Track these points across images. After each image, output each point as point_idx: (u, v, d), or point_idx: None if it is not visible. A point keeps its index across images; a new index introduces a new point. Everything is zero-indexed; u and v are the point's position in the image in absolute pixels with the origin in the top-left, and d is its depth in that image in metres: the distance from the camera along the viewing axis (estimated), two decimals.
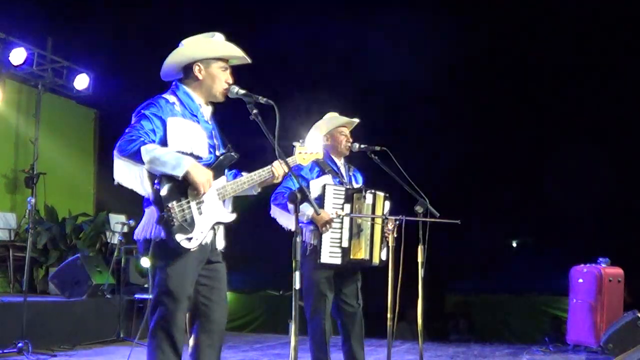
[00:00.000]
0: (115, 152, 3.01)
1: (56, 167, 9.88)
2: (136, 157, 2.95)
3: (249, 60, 3.37)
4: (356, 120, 4.61)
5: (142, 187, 3.02)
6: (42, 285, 8.60)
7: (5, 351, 5.66)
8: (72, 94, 10.38)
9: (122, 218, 8.66)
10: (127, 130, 3.04)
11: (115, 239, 8.38)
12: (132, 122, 3.11)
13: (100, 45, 10.03)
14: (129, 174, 3.00)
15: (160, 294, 3.09)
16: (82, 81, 10.07)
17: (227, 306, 3.32)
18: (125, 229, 8.01)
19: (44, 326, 6.40)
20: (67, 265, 7.52)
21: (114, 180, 3.06)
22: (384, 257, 4.44)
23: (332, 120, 4.55)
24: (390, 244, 4.26)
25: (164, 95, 3.22)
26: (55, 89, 10.10)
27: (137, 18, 9.91)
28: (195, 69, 3.25)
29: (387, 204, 4.47)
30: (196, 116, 3.25)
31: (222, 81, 3.28)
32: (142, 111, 3.11)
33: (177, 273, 3.07)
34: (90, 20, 9.95)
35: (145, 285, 7.92)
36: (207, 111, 3.33)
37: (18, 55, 8.91)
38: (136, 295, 7.71)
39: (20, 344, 5.65)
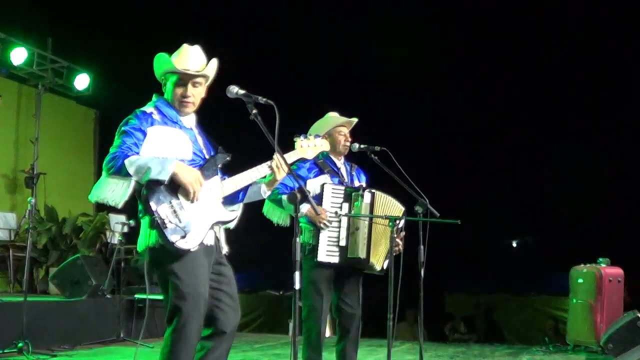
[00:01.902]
0: (103, 174, 3.05)
1: (56, 167, 9.88)
2: (122, 171, 2.99)
3: (205, 74, 3.32)
4: (355, 120, 4.60)
5: (123, 199, 3.03)
6: (42, 285, 8.59)
7: (5, 351, 5.65)
8: (72, 94, 10.38)
9: (122, 218, 8.64)
10: (110, 150, 3.08)
11: (115, 239, 8.37)
12: (115, 140, 3.14)
13: (100, 45, 10.03)
14: (116, 190, 3.01)
15: (175, 298, 3.05)
16: (82, 81, 10.07)
17: (239, 309, 3.29)
18: (126, 229, 8.00)
19: (44, 326, 6.40)
20: (67, 265, 7.50)
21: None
22: (385, 266, 4.39)
23: (331, 120, 4.54)
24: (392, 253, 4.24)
25: (141, 109, 3.26)
26: (55, 89, 10.10)
27: (137, 18, 9.92)
28: (162, 83, 3.33)
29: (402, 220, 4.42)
30: (177, 122, 3.27)
31: (177, 95, 3.28)
32: (122, 128, 3.15)
33: (188, 275, 3.06)
34: (90, 20, 9.96)
35: (142, 286, 7.91)
36: (187, 120, 3.33)
37: (18, 55, 8.91)
38: (136, 295, 7.70)
39: (20, 344, 5.65)
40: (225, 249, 3.32)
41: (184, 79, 3.27)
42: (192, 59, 3.28)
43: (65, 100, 10.57)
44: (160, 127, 3.18)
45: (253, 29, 10.23)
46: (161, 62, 3.30)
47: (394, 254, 4.25)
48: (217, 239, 3.25)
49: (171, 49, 3.34)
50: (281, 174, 3.35)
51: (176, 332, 3.04)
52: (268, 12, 10.56)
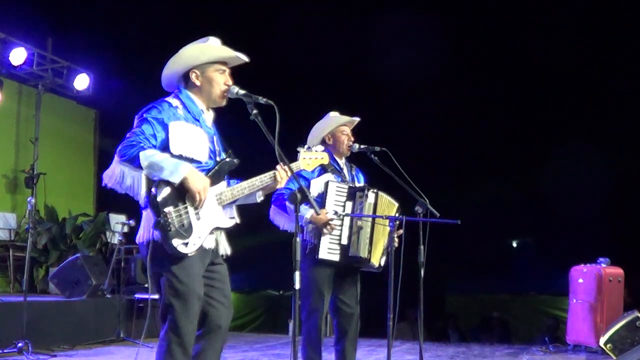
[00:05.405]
0: (116, 157, 3.03)
1: (56, 167, 9.89)
2: (135, 162, 2.98)
3: (246, 59, 3.35)
4: (357, 119, 4.61)
5: (138, 192, 3.03)
6: (42, 285, 8.60)
7: (5, 351, 5.65)
8: (72, 94, 10.38)
9: (122, 218, 8.65)
10: (127, 135, 3.06)
11: (115, 239, 8.38)
12: (134, 125, 3.12)
13: (100, 45, 10.03)
14: (126, 179, 3.02)
15: (169, 297, 3.06)
16: (82, 81, 10.06)
17: (231, 307, 3.30)
18: (125, 229, 8.01)
19: (44, 326, 6.40)
20: (67, 265, 7.51)
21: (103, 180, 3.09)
22: (383, 263, 4.42)
23: (333, 119, 4.55)
24: (391, 250, 4.25)
25: (167, 99, 3.23)
26: (55, 89, 10.10)
27: (138, 18, 9.92)
28: (192, 75, 3.26)
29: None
30: (198, 120, 3.26)
31: (220, 84, 3.27)
32: (144, 115, 3.13)
33: (184, 274, 3.06)
34: (90, 20, 9.96)
35: (146, 285, 7.91)
36: (209, 117, 3.34)
37: (18, 55, 8.91)
38: (136, 295, 7.70)
39: (20, 344, 5.65)
40: (223, 250, 3.30)
41: (225, 68, 3.29)
42: (224, 48, 3.29)
43: (65, 100, 10.57)
44: (182, 124, 3.16)
45: (253, 28, 10.22)
46: (198, 52, 3.25)
47: (393, 249, 4.26)
48: (217, 242, 3.25)
49: (171, 48, 3.32)
50: (282, 184, 3.37)
51: (170, 331, 3.05)
52: (268, 12, 10.56)
